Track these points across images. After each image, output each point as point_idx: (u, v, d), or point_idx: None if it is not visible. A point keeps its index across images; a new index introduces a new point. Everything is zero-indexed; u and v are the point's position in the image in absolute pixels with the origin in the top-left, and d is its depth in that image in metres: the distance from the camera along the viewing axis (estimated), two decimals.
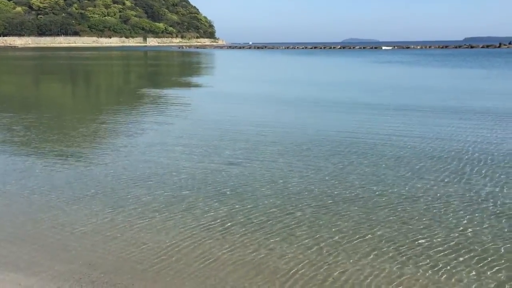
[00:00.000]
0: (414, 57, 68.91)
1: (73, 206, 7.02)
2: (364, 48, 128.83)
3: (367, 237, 5.86)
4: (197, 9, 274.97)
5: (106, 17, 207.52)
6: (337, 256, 5.38)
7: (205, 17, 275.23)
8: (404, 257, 5.35)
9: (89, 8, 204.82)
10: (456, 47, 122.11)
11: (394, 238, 5.82)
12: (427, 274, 4.99)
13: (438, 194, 7.37)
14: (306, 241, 5.78)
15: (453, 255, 5.40)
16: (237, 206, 6.92)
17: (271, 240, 5.80)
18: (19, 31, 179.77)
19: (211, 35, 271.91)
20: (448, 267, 5.12)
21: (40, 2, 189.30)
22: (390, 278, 4.92)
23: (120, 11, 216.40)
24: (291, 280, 4.90)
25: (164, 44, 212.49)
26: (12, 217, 6.67)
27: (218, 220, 6.42)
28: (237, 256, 5.41)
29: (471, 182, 7.98)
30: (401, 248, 5.57)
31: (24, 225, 6.36)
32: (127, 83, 34.19)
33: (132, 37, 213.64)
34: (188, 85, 28.53)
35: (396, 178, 8.20)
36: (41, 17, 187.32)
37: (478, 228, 6.10)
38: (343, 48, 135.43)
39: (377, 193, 7.46)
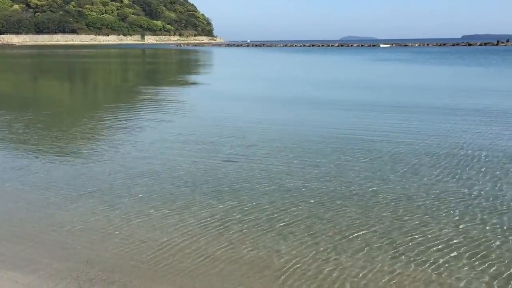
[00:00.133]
0: (412, 55, 68.99)
1: (71, 203, 7.06)
2: (362, 45, 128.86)
3: (362, 233, 5.91)
4: (195, 7, 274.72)
5: (103, 15, 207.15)
6: (333, 252, 5.44)
7: (203, 15, 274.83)
8: (398, 253, 5.41)
9: (87, 6, 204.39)
10: (453, 45, 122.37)
11: (389, 234, 5.88)
12: (420, 269, 5.05)
13: (433, 190, 7.43)
14: (302, 237, 5.83)
15: (447, 250, 5.46)
16: (234, 203, 6.97)
17: (268, 236, 5.86)
18: (17, 29, 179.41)
19: (209, 33, 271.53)
20: (441, 262, 5.18)
21: (38, 0, 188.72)
22: (385, 274, 4.98)
23: (117, 9, 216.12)
24: (287, 275, 4.96)
25: (162, 42, 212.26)
26: (9, 215, 6.70)
27: (216, 217, 6.47)
28: (234, 253, 5.46)
29: (466, 178, 8.04)
30: (395, 244, 5.63)
31: (22, 223, 6.39)
32: (125, 81, 34.17)
33: (130, 35, 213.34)
34: (186, 83, 28.54)
35: (392, 175, 8.26)
36: (38, 14, 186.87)
37: (471, 224, 6.17)
38: (341, 46, 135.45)
39: (373, 189, 7.52)
